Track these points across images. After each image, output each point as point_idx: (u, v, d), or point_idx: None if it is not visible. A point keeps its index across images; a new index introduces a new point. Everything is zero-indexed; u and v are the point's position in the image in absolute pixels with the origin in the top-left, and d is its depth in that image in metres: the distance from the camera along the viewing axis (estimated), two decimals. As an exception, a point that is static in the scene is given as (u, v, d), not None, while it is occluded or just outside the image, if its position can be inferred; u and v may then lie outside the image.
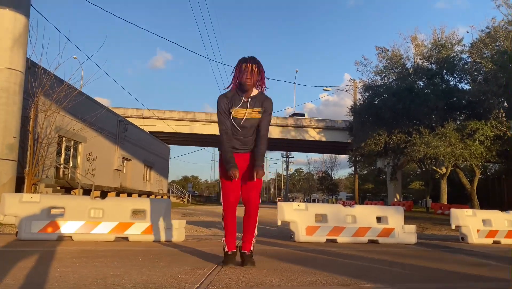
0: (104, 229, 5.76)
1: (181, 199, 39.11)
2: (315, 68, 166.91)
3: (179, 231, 5.96)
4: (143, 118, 35.78)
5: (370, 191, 61.04)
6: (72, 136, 17.88)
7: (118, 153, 24.39)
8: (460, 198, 29.79)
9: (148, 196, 26.91)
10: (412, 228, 6.94)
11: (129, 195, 24.32)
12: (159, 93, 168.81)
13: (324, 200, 73.26)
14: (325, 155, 77.52)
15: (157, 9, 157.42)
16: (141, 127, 32.23)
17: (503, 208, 9.04)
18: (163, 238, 5.84)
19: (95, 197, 6.96)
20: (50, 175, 15.93)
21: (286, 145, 46.96)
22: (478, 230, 7.39)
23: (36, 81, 11.89)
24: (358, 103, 29.66)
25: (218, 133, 3.90)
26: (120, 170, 24.98)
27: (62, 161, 18.40)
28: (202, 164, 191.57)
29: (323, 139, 38.53)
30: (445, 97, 23.39)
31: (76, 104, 14.41)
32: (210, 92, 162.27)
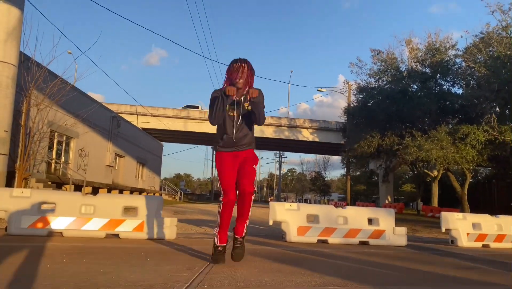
0: (95, 226, 5.73)
1: (173, 196, 39.01)
2: (309, 69, 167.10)
3: (170, 229, 5.94)
4: (137, 114, 35.63)
5: (362, 192, 61.30)
6: (65, 132, 17.74)
7: (110, 149, 24.26)
8: (451, 201, 30.00)
9: (140, 193, 26.80)
10: (402, 230, 6.99)
11: (121, 191, 24.19)
12: (153, 90, 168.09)
13: (316, 200, 73.41)
14: (318, 155, 77.81)
15: (153, 5, 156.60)
16: (135, 124, 32.09)
17: (493, 212, 9.12)
18: (154, 236, 5.83)
19: (87, 193, 6.92)
20: (41, 170, 15.80)
21: (279, 145, 47.06)
22: (467, 234, 7.46)
23: (29, 75, 11.78)
24: (352, 105, 29.76)
25: (214, 131, 3.95)
26: (112, 166, 24.84)
27: (54, 156, 18.26)
28: (195, 162, 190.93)
29: (317, 140, 38.65)
30: (438, 101, 23.55)
31: (69, 99, 14.30)
32: (204, 91, 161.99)
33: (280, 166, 73.20)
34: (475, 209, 22.15)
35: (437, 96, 23.71)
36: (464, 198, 22.28)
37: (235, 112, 3.82)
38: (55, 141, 17.77)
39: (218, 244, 3.87)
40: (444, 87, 25.31)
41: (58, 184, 17.01)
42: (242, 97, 3.83)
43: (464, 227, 7.50)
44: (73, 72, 28.40)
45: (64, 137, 18.64)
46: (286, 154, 74.07)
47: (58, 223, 5.62)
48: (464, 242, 7.36)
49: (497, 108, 20.20)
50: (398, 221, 8.71)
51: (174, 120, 36.52)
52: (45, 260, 3.59)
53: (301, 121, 38.81)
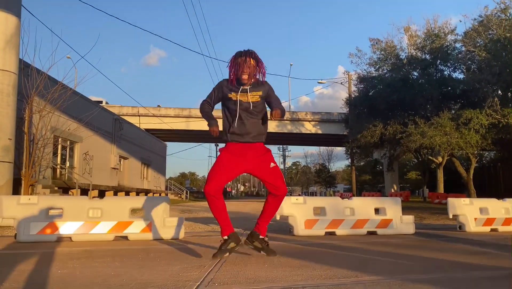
0: (103, 229, 5.76)
1: (179, 195, 39.10)
2: (309, 61, 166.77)
3: (178, 228, 5.96)
4: (139, 116, 35.68)
5: (367, 182, 61.28)
6: (68, 136, 17.80)
7: (114, 152, 24.33)
8: (457, 187, 29.96)
9: (146, 194, 26.89)
10: (410, 218, 6.98)
11: (127, 193, 24.29)
12: (154, 91, 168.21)
13: (322, 192, 73.43)
14: (321, 147, 77.71)
15: (149, 6, 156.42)
16: (137, 125, 32.14)
17: (500, 195, 9.11)
18: (162, 236, 5.85)
19: (93, 197, 6.96)
20: (47, 176, 15.87)
21: (283, 139, 46.99)
22: (475, 219, 7.44)
23: (30, 82, 11.81)
24: (353, 96, 29.69)
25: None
26: (117, 169, 24.92)
27: (59, 161, 18.33)
28: (199, 160, 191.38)
29: (319, 132, 38.58)
30: (440, 87, 23.45)
31: (71, 104, 14.34)
32: (205, 88, 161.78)
33: (284, 160, 73.29)
34: (481, 194, 22.13)
35: (438, 82, 23.60)
36: (470, 183, 22.24)
37: (241, 97, 3.80)
38: (59, 146, 17.83)
39: (221, 237, 3.89)
40: (445, 73, 25.21)
41: (65, 189, 17.09)
42: (248, 87, 3.80)
43: (472, 212, 7.47)
44: (73, 77, 28.44)
45: (68, 142, 18.71)
46: (290, 147, 74.11)
47: (66, 228, 5.65)
48: (472, 227, 7.34)
49: (499, 92, 20.11)
50: (405, 209, 8.70)
51: (176, 119, 36.54)
52: (56, 266, 3.62)
53: (303, 114, 38.75)
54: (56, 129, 15.71)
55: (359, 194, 37.99)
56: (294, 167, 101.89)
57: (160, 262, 3.83)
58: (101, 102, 32.88)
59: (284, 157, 72.59)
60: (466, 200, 7.67)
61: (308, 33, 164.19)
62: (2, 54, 9.84)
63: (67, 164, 19.11)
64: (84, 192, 17.67)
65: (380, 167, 44.66)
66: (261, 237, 3.92)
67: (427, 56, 25.08)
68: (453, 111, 22.09)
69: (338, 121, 36.16)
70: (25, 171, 11.73)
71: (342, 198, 7.25)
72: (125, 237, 5.80)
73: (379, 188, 52.27)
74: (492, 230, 7.41)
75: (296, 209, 6.56)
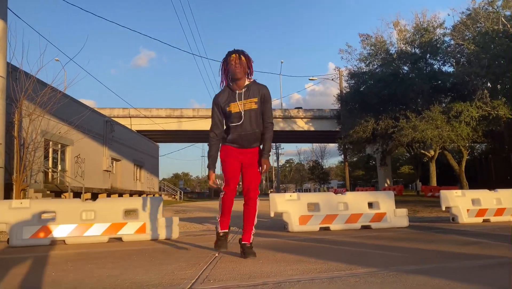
0: (97, 231, 5.73)
1: (173, 196, 39.00)
2: (299, 59, 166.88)
3: (172, 228, 5.95)
4: (130, 117, 35.48)
5: (361, 178, 61.56)
6: (59, 140, 17.66)
7: (106, 154, 24.20)
8: (450, 179, 30.18)
9: (139, 195, 26.78)
10: (403, 211, 7.03)
11: (120, 195, 24.16)
12: (145, 92, 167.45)
13: (316, 189, 73.62)
14: (314, 144, 77.99)
15: (137, 6, 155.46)
16: (128, 126, 31.99)
17: (492, 186, 9.17)
18: (157, 236, 5.83)
19: (86, 199, 6.91)
20: (38, 180, 15.75)
21: (275, 137, 46.86)
22: (468, 210, 7.51)
23: (18, 85, 11.69)
24: (344, 91, 29.76)
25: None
26: (109, 171, 24.79)
27: (50, 165, 18.20)
28: (192, 160, 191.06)
29: (312, 129, 38.67)
30: (430, 80, 23.58)
31: (61, 107, 14.22)
32: (196, 88, 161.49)
33: (277, 158, 73.23)
34: (473, 185, 22.32)
35: (428, 76, 23.73)
36: (462, 175, 22.43)
37: (238, 108, 3.76)
38: (50, 150, 17.69)
39: (220, 231, 3.97)
40: (435, 66, 25.35)
41: (57, 193, 16.97)
42: (243, 91, 3.77)
43: (464, 203, 7.54)
44: (62, 79, 28.21)
45: (59, 146, 18.57)
46: (283, 145, 74.07)
47: (59, 231, 5.61)
48: (465, 218, 7.41)
49: (489, 84, 20.28)
50: (399, 203, 8.76)
51: (168, 120, 36.41)
52: (49, 269, 3.59)
53: (295, 111, 38.80)
54: (47, 133, 15.58)
55: (352, 190, 38.14)
56: (287, 165, 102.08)
57: (155, 261, 3.82)
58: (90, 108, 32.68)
59: (277, 155, 72.56)
60: (458, 192, 7.74)
61: (298, 31, 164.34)
62: (-10, 58, 9.72)
63: (59, 167, 18.97)
64: (77, 195, 17.55)
65: (373, 162, 44.90)
66: (247, 244, 3.91)
67: (417, 51, 25.21)
68: (443, 105, 22.23)
69: (330, 118, 36.24)
70: (16, 175, 11.62)
71: (336, 194, 7.28)
72: (120, 239, 5.78)
73: (372, 183, 52.51)
74: (484, 220, 7.49)
75: (290, 206, 6.58)
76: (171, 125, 36.54)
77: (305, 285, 2.59)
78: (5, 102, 10.23)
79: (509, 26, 19.08)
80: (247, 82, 3.81)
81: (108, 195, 22.03)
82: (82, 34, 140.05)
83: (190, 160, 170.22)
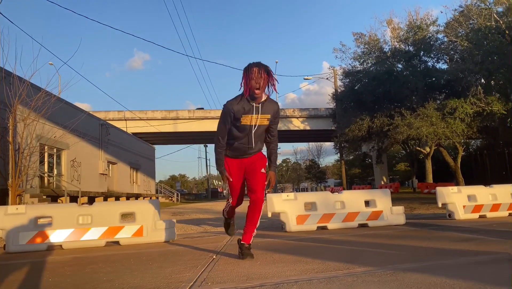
0: (94, 235, 5.71)
1: (170, 198, 38.92)
2: (294, 58, 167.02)
3: (170, 230, 5.94)
4: (125, 120, 35.39)
5: (357, 176, 61.70)
6: (54, 144, 17.59)
7: (102, 157, 24.12)
8: (445, 176, 30.32)
9: (136, 198, 26.73)
10: (400, 209, 7.05)
11: (117, 198, 24.11)
12: (140, 94, 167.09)
13: (312, 188, 73.69)
14: (310, 143, 77.96)
15: (130, 9, 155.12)
16: (124, 129, 31.89)
17: (487, 182, 9.24)
18: (154, 239, 5.82)
19: (83, 203, 6.89)
20: (34, 185, 15.68)
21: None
22: (464, 206, 7.54)
23: (12, 90, 11.63)
24: (339, 90, 29.82)
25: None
26: (106, 174, 24.72)
27: (46, 170, 18.12)
28: (189, 162, 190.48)
29: (308, 128, 38.72)
30: (424, 78, 23.67)
31: (56, 111, 14.17)
32: (191, 89, 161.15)
33: (274, 158, 73.11)
34: (469, 181, 22.44)
35: (422, 73, 23.82)
36: (458, 172, 22.53)
37: (251, 121, 3.70)
38: (46, 154, 17.62)
39: (226, 217, 4.49)
40: (429, 64, 25.46)
41: (53, 197, 16.90)
42: (259, 105, 3.67)
43: (460, 200, 7.57)
44: (57, 83, 28.09)
45: (55, 150, 18.50)
46: (279, 144, 74.04)
47: (56, 236, 5.59)
48: (461, 214, 7.44)
49: (482, 80, 20.39)
50: (395, 201, 8.79)
51: (164, 122, 36.35)
52: (46, 274, 3.58)
53: (291, 111, 38.83)
54: (42, 137, 15.52)
55: (349, 188, 38.23)
56: (284, 164, 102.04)
57: (152, 265, 3.81)
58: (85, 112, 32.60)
59: (274, 154, 72.39)
60: (454, 188, 7.77)
61: (293, 30, 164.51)
62: (-17, 63, 9.67)
63: (55, 171, 18.89)
64: (74, 199, 17.49)
65: (369, 160, 44.96)
66: (246, 245, 3.90)
67: (411, 48, 25.31)
68: (438, 102, 22.33)
69: (326, 117, 36.30)
70: (11, 180, 11.56)
71: (332, 192, 7.29)
72: (117, 242, 5.77)
73: (369, 181, 52.67)
74: (480, 216, 7.52)
75: (287, 205, 6.58)
76: (167, 127, 36.49)
77: (303, 286, 2.60)
78: (-1, 107, 10.18)
79: (501, 22, 19.20)
80: (263, 98, 3.70)
81: (105, 199, 21.97)
82: (75, 38, 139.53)
83: (186, 162, 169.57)
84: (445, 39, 23.53)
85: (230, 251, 4.47)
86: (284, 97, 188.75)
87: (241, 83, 3.66)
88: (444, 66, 24.99)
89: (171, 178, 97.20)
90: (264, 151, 4.10)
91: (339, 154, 32.25)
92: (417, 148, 27.81)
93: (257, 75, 3.55)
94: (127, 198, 25.94)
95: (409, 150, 30.34)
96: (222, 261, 3.81)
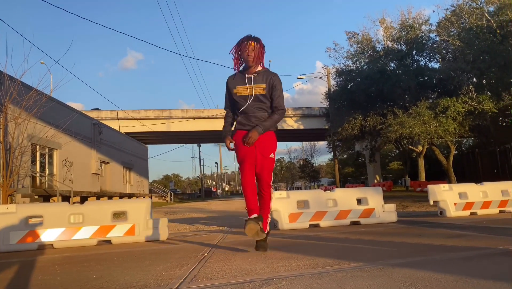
0: (85, 234, 5.68)
1: (163, 198, 38.80)
2: (287, 58, 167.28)
3: (162, 229, 5.93)
4: (118, 119, 35.22)
5: (350, 175, 61.85)
6: (46, 144, 17.48)
7: (95, 157, 24.00)
8: (438, 174, 30.53)
9: (129, 198, 26.61)
10: (392, 206, 7.08)
11: (110, 198, 23.96)
12: (133, 94, 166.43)
13: (306, 187, 73.83)
14: (304, 142, 78.17)
15: (123, 8, 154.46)
16: (117, 129, 31.74)
17: (479, 180, 9.30)
18: (146, 238, 5.81)
19: (74, 202, 6.86)
20: (26, 185, 15.56)
21: (265, 136, 46.92)
22: (455, 204, 7.60)
23: (3, 89, 11.56)
24: (332, 89, 29.90)
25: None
26: (98, 174, 24.60)
27: (38, 169, 18.00)
28: (182, 162, 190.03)
29: (301, 127, 38.77)
30: (417, 77, 23.81)
31: (47, 110, 14.08)
32: (184, 88, 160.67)
33: (268, 157, 73.15)
34: (461, 179, 22.62)
35: (415, 72, 23.97)
36: (450, 170, 22.69)
37: (246, 91, 3.82)
38: (38, 154, 17.50)
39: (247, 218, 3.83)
40: (421, 63, 25.63)
41: (45, 197, 16.79)
42: (253, 76, 3.82)
43: (451, 197, 7.63)
44: (48, 82, 27.92)
45: (47, 149, 18.38)
46: (276, 144, 74.02)
47: (47, 235, 5.55)
48: (452, 212, 7.50)
49: (474, 79, 20.55)
50: (388, 199, 8.84)
51: (157, 121, 36.21)
52: (36, 273, 3.56)
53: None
54: (33, 137, 15.41)
55: (342, 186, 38.31)
56: (278, 164, 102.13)
57: (143, 263, 3.80)
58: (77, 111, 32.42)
59: (267, 153, 72.41)
60: (445, 186, 7.82)
61: (286, 30, 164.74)
62: (-27, 62, 9.58)
63: (47, 171, 18.77)
64: (66, 199, 17.37)
65: (362, 159, 45.10)
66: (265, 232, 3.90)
67: (403, 47, 25.44)
68: (430, 100, 22.45)
69: (319, 116, 36.37)
70: (2, 180, 11.48)
71: (325, 191, 7.31)
72: (109, 241, 5.74)
73: (362, 180, 52.82)
74: (471, 213, 7.59)
75: (280, 204, 6.59)
76: (160, 126, 36.35)
77: (292, 281, 2.61)
78: (-10, 106, 10.10)
79: (492, 21, 19.34)
80: (259, 69, 3.86)
81: (98, 198, 21.86)
82: (67, 36, 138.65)
83: (180, 161, 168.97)
84: (437, 38, 23.69)
85: (221, 248, 4.48)
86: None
87: (232, 58, 3.87)
88: (436, 65, 25.18)
89: (164, 178, 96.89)
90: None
91: (332, 153, 32.33)
92: (410, 147, 27.96)
93: (247, 46, 3.74)
94: (120, 198, 25.81)
95: (402, 149, 30.49)
96: (213, 258, 3.81)
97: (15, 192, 13.25)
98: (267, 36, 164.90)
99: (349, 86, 27.00)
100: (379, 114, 23.55)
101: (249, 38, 3.79)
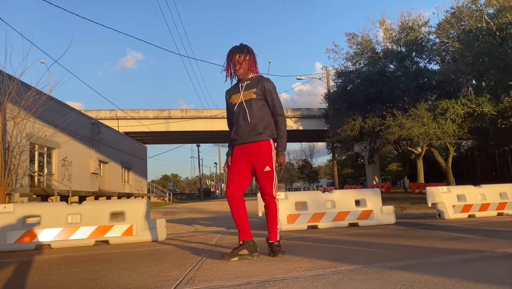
0: (83, 234, 5.67)
1: (162, 198, 38.78)
2: (287, 59, 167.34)
3: (160, 230, 5.92)
4: (117, 119, 35.22)
5: (349, 176, 61.91)
6: (45, 143, 17.46)
7: (94, 156, 23.98)
8: (437, 176, 30.52)
9: (128, 198, 26.59)
10: (390, 208, 7.08)
11: (108, 198, 23.98)
12: (132, 94, 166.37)
13: (305, 188, 73.85)
14: (303, 143, 78.18)
15: (123, 8, 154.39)
16: (116, 128, 31.72)
17: (477, 182, 9.32)
18: (144, 238, 5.80)
19: (72, 202, 6.85)
20: (24, 184, 15.54)
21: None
22: (453, 206, 7.60)
23: (2, 88, 11.55)
24: (331, 91, 29.91)
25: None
26: (97, 174, 24.58)
27: (36, 169, 17.98)
28: (181, 162, 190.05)
29: (301, 128, 38.80)
30: (416, 78, 23.83)
31: (46, 109, 14.07)
32: (184, 89, 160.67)
33: (267, 157, 73.13)
34: (460, 182, 22.63)
35: (414, 74, 23.98)
36: (449, 172, 22.69)
37: (239, 99, 3.85)
38: (36, 153, 17.49)
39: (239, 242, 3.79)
40: (421, 64, 25.65)
41: (44, 197, 16.77)
42: (245, 83, 3.86)
43: (449, 199, 7.63)
44: (47, 82, 27.88)
45: (45, 149, 18.36)
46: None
47: (45, 235, 5.54)
48: (451, 214, 7.50)
49: (473, 81, 20.55)
50: (387, 200, 8.83)
51: (156, 121, 36.20)
52: (33, 273, 3.55)
53: (284, 111, 38.81)
54: (32, 136, 15.40)
55: (341, 188, 38.34)
56: (277, 164, 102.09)
57: (140, 264, 3.80)
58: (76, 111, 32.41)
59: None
60: (444, 188, 7.82)
61: (286, 31, 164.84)
62: (-29, 61, 9.58)
63: (45, 170, 18.75)
64: (64, 198, 17.37)
65: (361, 160, 45.16)
66: (275, 243, 3.90)
67: (403, 49, 25.45)
68: (429, 102, 22.45)
69: (319, 117, 36.40)
70: (0, 179, 11.46)
71: (324, 192, 7.31)
72: (106, 241, 5.74)
73: (361, 181, 52.88)
74: (470, 216, 7.58)
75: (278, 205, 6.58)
76: (159, 126, 36.35)
77: (289, 284, 2.60)
78: (-12, 105, 10.09)
79: (492, 24, 19.36)
80: (252, 76, 3.90)
81: (96, 198, 21.86)
82: (67, 36, 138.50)
83: (179, 161, 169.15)
84: (437, 40, 23.69)
85: (219, 250, 4.47)
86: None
87: (223, 70, 3.94)
88: (436, 67, 25.19)
89: (163, 178, 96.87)
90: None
91: (331, 154, 32.34)
92: (409, 148, 27.97)
93: (232, 60, 3.81)
94: (119, 198, 25.82)
95: (401, 150, 30.50)
96: (210, 260, 3.80)
97: (14, 191, 13.23)
98: (267, 36, 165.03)
99: (348, 88, 27.01)
100: (378, 115, 23.57)
101: (232, 51, 3.83)
